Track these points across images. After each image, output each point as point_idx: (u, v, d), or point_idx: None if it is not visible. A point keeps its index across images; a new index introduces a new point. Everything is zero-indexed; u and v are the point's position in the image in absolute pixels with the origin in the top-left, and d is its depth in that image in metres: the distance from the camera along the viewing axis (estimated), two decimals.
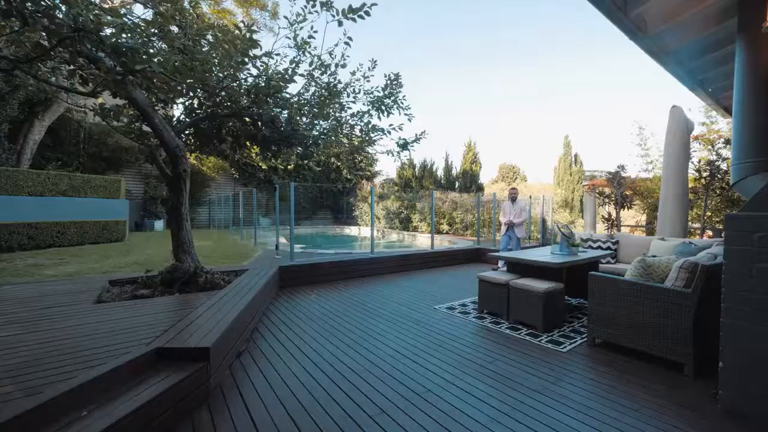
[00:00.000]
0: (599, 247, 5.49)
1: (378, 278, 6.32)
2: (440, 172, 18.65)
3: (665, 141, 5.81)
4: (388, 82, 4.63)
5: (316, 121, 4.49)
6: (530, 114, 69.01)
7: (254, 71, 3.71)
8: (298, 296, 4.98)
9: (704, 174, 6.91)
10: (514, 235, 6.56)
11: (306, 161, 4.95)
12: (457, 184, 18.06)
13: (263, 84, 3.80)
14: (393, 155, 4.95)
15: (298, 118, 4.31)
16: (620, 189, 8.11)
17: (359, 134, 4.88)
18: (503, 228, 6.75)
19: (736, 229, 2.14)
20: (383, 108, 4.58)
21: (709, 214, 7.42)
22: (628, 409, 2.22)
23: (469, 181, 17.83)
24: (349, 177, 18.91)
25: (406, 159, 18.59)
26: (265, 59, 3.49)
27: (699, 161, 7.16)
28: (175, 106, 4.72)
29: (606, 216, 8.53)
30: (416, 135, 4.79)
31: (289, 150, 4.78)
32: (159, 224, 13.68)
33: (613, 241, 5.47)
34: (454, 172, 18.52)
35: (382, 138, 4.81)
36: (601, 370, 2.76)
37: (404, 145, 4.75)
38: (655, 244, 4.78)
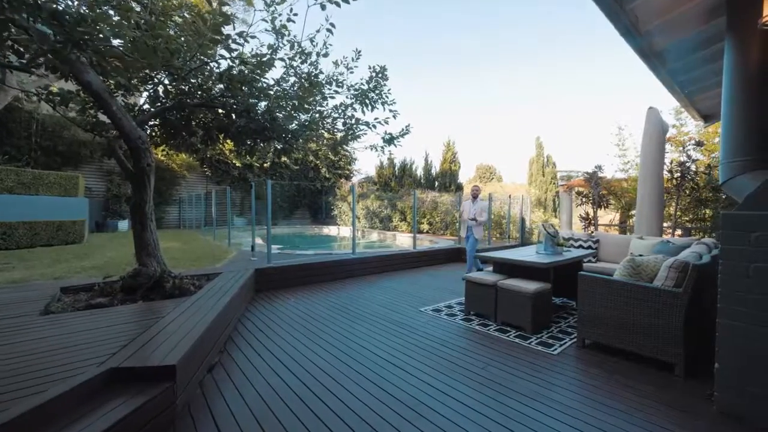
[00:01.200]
0: (580, 246, 5.53)
1: (360, 279, 6.12)
2: (420, 172, 18.61)
3: (642, 142, 5.96)
4: (373, 74, 4.41)
5: (295, 114, 4.20)
6: (507, 115, 70.91)
7: (227, 54, 3.38)
8: (275, 300, 4.69)
9: (675, 175, 7.19)
10: (472, 235, 6.21)
11: (283, 159, 4.66)
12: (436, 183, 18.08)
13: (236, 71, 3.48)
14: (377, 150, 4.74)
15: (276, 109, 4.01)
16: (597, 189, 8.31)
17: (342, 128, 4.63)
18: (464, 228, 6.44)
19: (733, 229, 2.10)
20: (367, 102, 4.36)
21: (679, 213, 7.73)
22: (620, 411, 2.16)
23: (448, 181, 17.88)
24: (327, 176, 18.53)
25: (387, 157, 18.40)
26: (240, 41, 3.18)
27: (671, 162, 7.44)
28: (138, 94, 4.28)
29: (584, 215, 8.72)
30: (403, 128, 4.61)
31: (267, 145, 4.46)
32: (123, 224, 12.78)
33: (594, 240, 5.53)
34: (433, 171, 18.53)
35: (366, 133, 4.59)
36: (592, 372, 2.70)
37: (390, 140, 4.56)
38: (635, 243, 4.86)
